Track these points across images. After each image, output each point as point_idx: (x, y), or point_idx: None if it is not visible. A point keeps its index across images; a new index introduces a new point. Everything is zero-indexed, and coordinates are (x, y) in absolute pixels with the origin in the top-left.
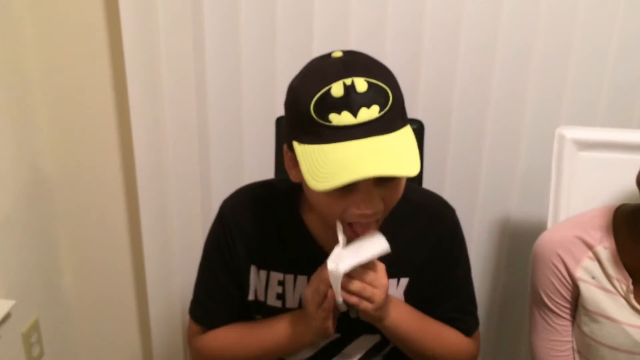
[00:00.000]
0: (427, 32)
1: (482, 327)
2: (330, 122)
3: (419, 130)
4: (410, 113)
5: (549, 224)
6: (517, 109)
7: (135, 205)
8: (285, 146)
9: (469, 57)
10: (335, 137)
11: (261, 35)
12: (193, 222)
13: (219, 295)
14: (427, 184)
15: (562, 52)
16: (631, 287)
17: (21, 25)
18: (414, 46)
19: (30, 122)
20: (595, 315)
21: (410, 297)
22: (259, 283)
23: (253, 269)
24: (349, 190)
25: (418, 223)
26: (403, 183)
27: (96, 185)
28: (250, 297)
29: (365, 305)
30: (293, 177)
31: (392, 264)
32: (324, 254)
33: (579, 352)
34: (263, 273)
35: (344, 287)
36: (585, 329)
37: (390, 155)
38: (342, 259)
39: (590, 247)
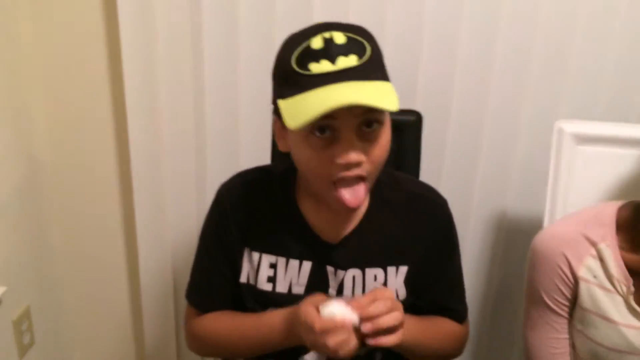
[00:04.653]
0: (427, 24)
1: (477, 320)
2: (310, 71)
3: (416, 122)
4: (409, 105)
5: (546, 219)
6: (517, 102)
7: (130, 196)
8: (274, 117)
9: (468, 50)
10: (315, 84)
11: (259, 26)
12: (187, 215)
13: (214, 279)
14: (424, 177)
15: (562, 46)
16: (632, 288)
17: (18, 17)
18: (414, 38)
19: (25, 113)
20: (591, 315)
21: (409, 286)
22: (251, 265)
23: (246, 251)
24: (331, 141)
25: (413, 212)
26: (385, 138)
27: (90, 175)
28: (242, 279)
29: (398, 336)
30: (281, 147)
31: (391, 251)
32: (317, 238)
33: (572, 346)
34: (256, 255)
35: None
36: (580, 327)
37: (367, 92)
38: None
39: (593, 244)
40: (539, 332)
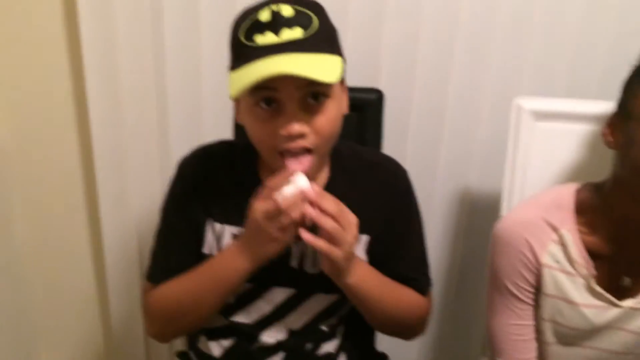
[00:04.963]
0: (390, 2)
1: (442, 294)
2: (255, 42)
3: (378, 100)
4: (372, 83)
5: (505, 195)
6: (478, 80)
7: (93, 179)
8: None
9: (431, 26)
10: (259, 55)
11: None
12: (151, 196)
13: (176, 251)
14: (388, 154)
15: (523, 24)
16: (593, 271)
17: None
18: (377, 18)
19: None
20: (555, 300)
21: (371, 255)
22: (214, 237)
23: (209, 222)
24: (276, 112)
25: (373, 181)
26: (333, 111)
27: (53, 160)
28: (205, 250)
29: (334, 250)
30: (238, 119)
31: None
32: None
33: (538, 331)
34: (219, 227)
35: (317, 224)
36: (544, 312)
37: (306, 64)
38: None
39: (555, 229)
40: (502, 319)
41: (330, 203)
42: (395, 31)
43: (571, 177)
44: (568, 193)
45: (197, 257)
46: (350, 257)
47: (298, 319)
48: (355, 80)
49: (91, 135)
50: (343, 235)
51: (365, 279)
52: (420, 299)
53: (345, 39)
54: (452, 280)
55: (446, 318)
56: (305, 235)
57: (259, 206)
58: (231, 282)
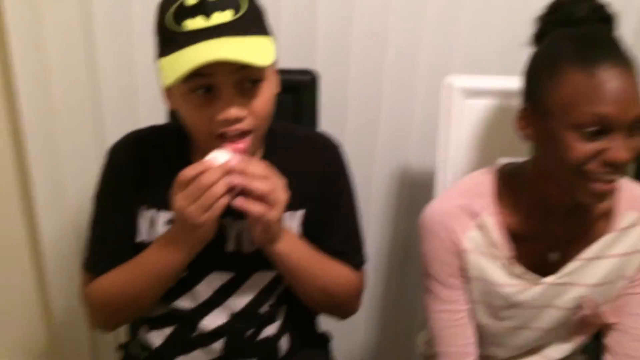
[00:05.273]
0: None
1: (385, 274)
2: (185, 27)
3: (312, 81)
4: (309, 65)
5: (439, 173)
6: (413, 60)
7: (26, 171)
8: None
9: (364, 7)
10: (190, 40)
11: None
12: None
13: (111, 240)
14: None
15: (453, 3)
16: (513, 251)
17: None
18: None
19: None
20: (479, 282)
21: (305, 230)
22: (148, 224)
23: (142, 208)
24: (212, 98)
25: (306, 156)
26: (268, 92)
27: None
28: (140, 238)
29: (268, 211)
30: (169, 105)
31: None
32: None
33: (471, 313)
34: (152, 212)
35: (248, 188)
36: (471, 294)
37: (240, 48)
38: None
39: (475, 215)
40: (435, 305)
41: (257, 166)
42: (329, 12)
43: (502, 153)
44: (488, 178)
45: (132, 245)
46: (281, 221)
47: (239, 301)
48: (291, 62)
49: (23, 127)
50: (275, 194)
51: (296, 247)
52: (351, 274)
53: (280, 21)
54: (395, 258)
55: (390, 297)
56: (238, 201)
57: (178, 196)
58: (168, 275)
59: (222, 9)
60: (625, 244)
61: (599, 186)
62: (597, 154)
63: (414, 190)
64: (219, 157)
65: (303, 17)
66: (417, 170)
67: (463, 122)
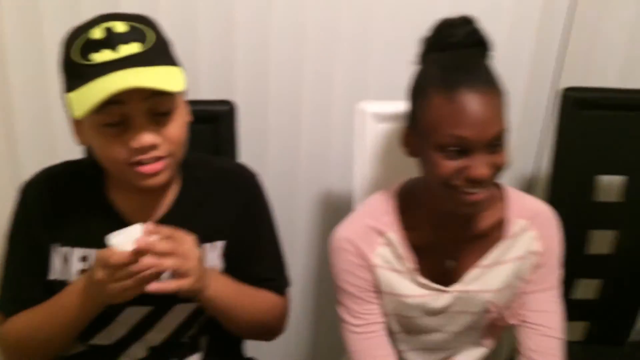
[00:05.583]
0: (239, 15)
1: (309, 295)
2: (92, 61)
3: (230, 112)
4: (226, 95)
5: (356, 195)
6: (329, 87)
7: None
8: (68, 112)
9: (280, 37)
10: (99, 72)
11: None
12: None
13: (23, 280)
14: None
15: (366, 32)
16: (417, 264)
17: None
18: (228, 37)
19: None
20: (390, 295)
21: (227, 260)
22: (62, 261)
23: (55, 246)
24: (125, 128)
25: (223, 187)
26: (181, 118)
27: None
28: (53, 276)
29: (183, 282)
30: (79, 141)
31: (205, 228)
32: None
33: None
34: (65, 250)
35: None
36: (384, 307)
37: (150, 76)
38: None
39: (381, 233)
40: (353, 320)
41: (162, 244)
42: (246, 43)
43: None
44: (390, 196)
45: (46, 282)
46: (202, 275)
47: (158, 335)
48: (209, 93)
49: None
50: (186, 265)
51: (224, 289)
52: (277, 300)
53: (197, 53)
54: (320, 280)
55: (315, 318)
56: (151, 287)
57: (99, 269)
58: (81, 320)
59: (128, 41)
60: (518, 249)
61: (468, 197)
62: (461, 170)
63: (336, 213)
64: (128, 236)
65: (220, 48)
66: (337, 194)
67: (377, 146)
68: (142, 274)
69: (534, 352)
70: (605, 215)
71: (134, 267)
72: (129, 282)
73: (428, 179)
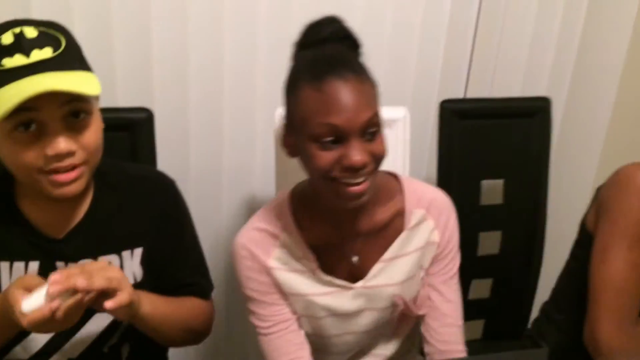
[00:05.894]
0: (155, 21)
1: (236, 299)
2: (3, 66)
3: (148, 119)
4: (144, 102)
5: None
6: (249, 91)
7: None
8: None
9: (198, 43)
10: (11, 78)
11: None
12: None
13: None
14: (168, 172)
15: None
16: (317, 263)
17: None
18: (145, 45)
19: None
20: (294, 296)
21: (147, 267)
22: None
23: None
24: (38, 134)
25: (140, 194)
26: (96, 125)
27: None
28: None
29: (122, 296)
30: None
31: (123, 236)
32: (40, 236)
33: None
34: None
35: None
36: (293, 308)
37: (64, 80)
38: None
39: (276, 237)
40: (262, 324)
41: (76, 274)
42: (163, 49)
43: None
44: (284, 199)
45: None
46: (133, 292)
47: (77, 346)
48: (127, 101)
49: None
50: (113, 282)
51: (155, 305)
52: (202, 304)
53: (114, 60)
54: None
55: (243, 321)
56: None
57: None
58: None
59: (41, 46)
60: (418, 240)
61: (349, 190)
62: (338, 161)
63: None
64: (38, 296)
65: (137, 55)
66: (261, 199)
67: None
68: (66, 312)
69: (439, 342)
70: (490, 217)
71: (56, 315)
72: (55, 325)
73: (310, 175)
